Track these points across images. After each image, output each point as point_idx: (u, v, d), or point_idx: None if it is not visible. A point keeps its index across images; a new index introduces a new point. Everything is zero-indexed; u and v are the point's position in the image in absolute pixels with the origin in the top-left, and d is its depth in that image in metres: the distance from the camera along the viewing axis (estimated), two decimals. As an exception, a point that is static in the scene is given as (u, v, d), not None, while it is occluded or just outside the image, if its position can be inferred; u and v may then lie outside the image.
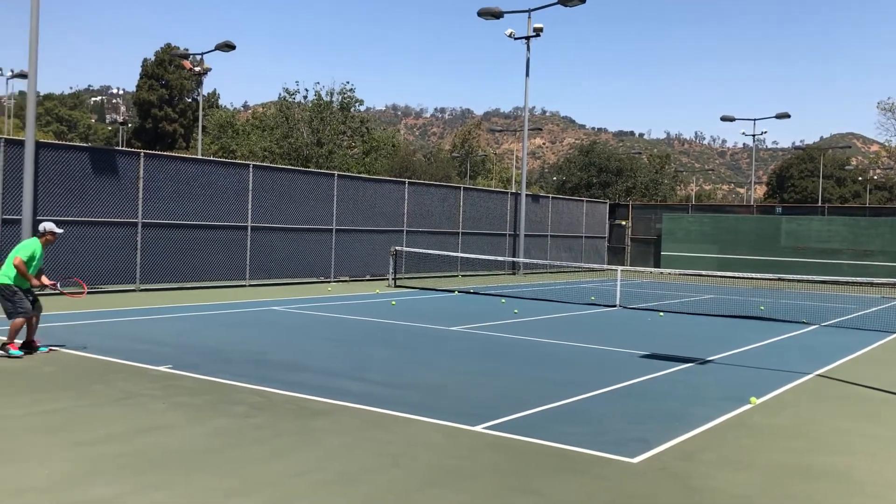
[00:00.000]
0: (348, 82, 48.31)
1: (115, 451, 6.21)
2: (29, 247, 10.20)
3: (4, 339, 10.04)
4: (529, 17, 30.19)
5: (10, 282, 10.00)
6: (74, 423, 6.98)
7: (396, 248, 24.66)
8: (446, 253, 26.40)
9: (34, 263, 10.16)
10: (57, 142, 22.57)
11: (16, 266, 9.96)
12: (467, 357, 11.33)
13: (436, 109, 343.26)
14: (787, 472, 6.36)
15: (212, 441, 6.59)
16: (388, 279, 23.84)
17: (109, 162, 18.49)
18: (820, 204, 55.41)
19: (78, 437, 6.56)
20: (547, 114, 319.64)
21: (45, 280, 10.40)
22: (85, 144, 21.46)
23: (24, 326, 10.09)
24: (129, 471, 5.73)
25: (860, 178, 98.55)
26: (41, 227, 10.47)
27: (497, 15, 29.47)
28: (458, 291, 22.28)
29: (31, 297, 10.24)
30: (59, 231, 10.47)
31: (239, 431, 6.90)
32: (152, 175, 19.18)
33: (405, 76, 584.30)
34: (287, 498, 5.35)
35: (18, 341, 10.06)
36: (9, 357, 9.83)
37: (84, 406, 7.62)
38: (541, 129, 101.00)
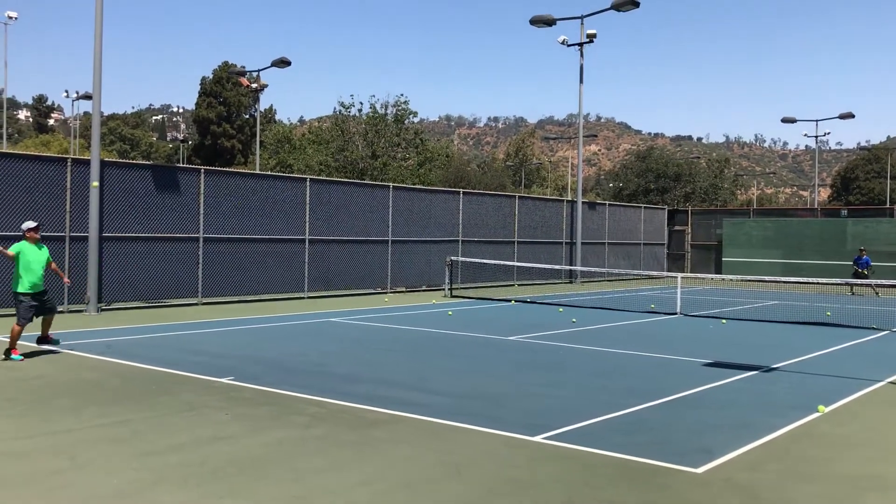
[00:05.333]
0: (402, 94, 48.51)
1: (180, 460, 6.33)
2: (17, 246, 11.15)
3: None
4: (582, 24, 30.05)
5: (15, 289, 11.10)
6: (140, 434, 7.14)
7: (452, 258, 24.69)
8: (502, 262, 26.33)
9: (31, 259, 11.09)
10: (121, 160, 23.21)
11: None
12: (526, 367, 11.27)
13: (489, 119, 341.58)
14: (857, 482, 6.16)
15: (274, 451, 6.67)
16: (444, 289, 23.88)
17: (171, 179, 18.95)
18: (888, 205, 53.74)
19: (144, 447, 6.71)
20: (602, 120, 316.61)
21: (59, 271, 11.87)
22: (147, 162, 22.04)
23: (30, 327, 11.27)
24: (194, 480, 5.84)
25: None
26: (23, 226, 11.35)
27: (549, 22, 29.36)
28: (515, 301, 22.20)
29: (45, 298, 11.30)
30: (35, 224, 11.36)
31: (300, 442, 6.97)
32: (212, 191, 19.59)
33: (458, 86, 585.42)
34: (348, 508, 5.37)
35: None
36: (9, 360, 10.76)
37: (150, 417, 7.79)
38: (596, 136, 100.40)
